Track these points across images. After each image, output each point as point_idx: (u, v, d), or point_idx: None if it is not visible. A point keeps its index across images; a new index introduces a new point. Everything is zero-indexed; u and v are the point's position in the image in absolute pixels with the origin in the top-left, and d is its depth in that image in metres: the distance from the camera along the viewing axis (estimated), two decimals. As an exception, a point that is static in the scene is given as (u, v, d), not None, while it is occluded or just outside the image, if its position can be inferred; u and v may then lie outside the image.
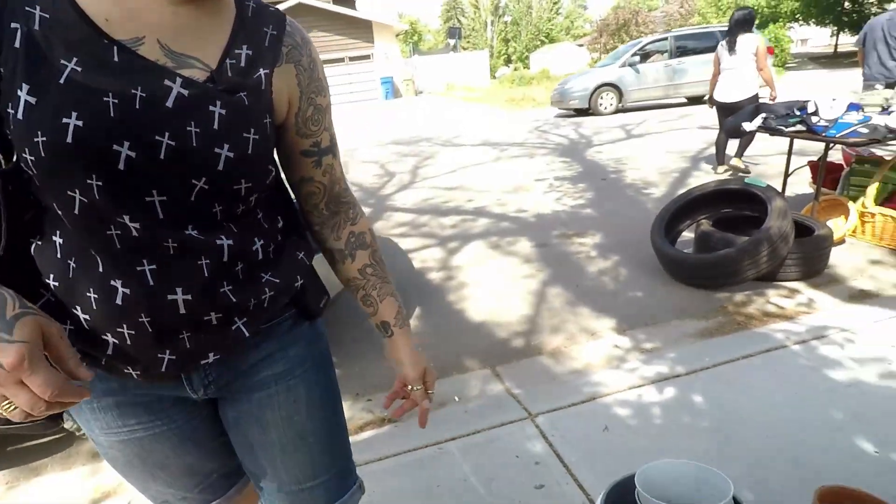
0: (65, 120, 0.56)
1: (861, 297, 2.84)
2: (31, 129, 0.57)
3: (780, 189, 3.74)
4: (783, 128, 3.39)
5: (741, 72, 5.12)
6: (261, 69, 0.68)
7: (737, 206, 3.35)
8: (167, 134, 0.60)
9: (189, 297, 0.66)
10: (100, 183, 0.59)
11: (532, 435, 1.97)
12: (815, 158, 3.78)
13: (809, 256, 2.98)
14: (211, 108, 0.62)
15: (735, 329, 2.63)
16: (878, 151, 3.85)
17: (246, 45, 0.67)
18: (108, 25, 0.59)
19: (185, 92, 0.61)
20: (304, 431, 0.84)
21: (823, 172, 3.44)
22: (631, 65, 11.56)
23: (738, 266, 2.88)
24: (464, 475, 1.79)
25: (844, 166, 3.75)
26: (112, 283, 0.64)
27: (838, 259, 3.27)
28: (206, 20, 0.65)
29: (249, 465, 0.87)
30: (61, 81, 0.56)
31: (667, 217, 3.39)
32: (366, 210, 5.66)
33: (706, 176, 5.53)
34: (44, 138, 0.56)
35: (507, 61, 29.00)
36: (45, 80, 0.57)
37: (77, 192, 0.60)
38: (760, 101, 4.81)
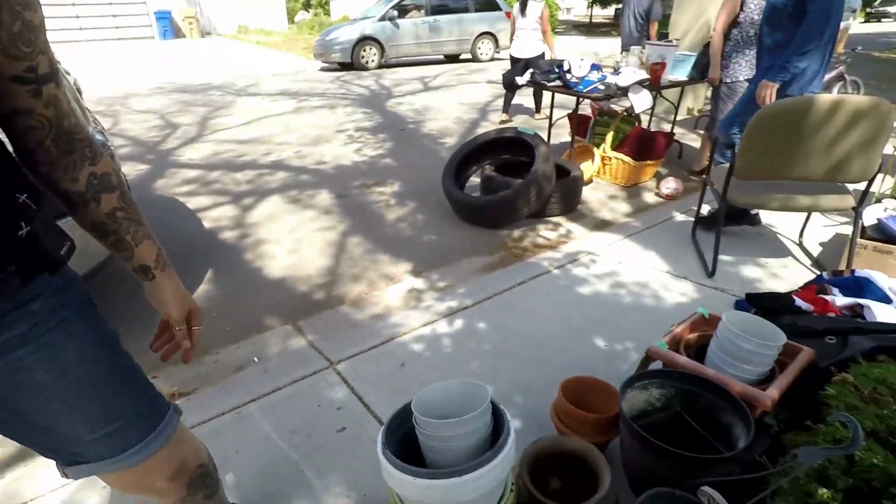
0: None
1: (602, 225, 3.48)
2: None
3: (546, 137, 4.29)
4: (546, 83, 3.86)
5: (529, 33, 5.80)
6: None
7: (513, 152, 3.76)
8: None
9: None
10: None
11: (334, 383, 2.02)
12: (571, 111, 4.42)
13: (567, 194, 3.53)
14: None
15: (513, 261, 3.01)
16: (615, 107, 4.65)
17: None
18: None
19: None
20: (85, 380, 0.79)
21: (576, 123, 4.03)
22: (390, 19, 11.36)
23: (515, 205, 3.27)
24: (264, 435, 1.77)
25: (592, 118, 4.46)
26: None
27: (588, 196, 3.93)
28: None
29: (31, 434, 0.80)
30: None
31: (455, 164, 3.65)
32: (143, 167, 5.03)
33: (493, 126, 6.06)
34: None
35: (307, 6, 26.98)
36: None
37: None
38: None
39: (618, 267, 2.83)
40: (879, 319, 1.68)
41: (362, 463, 1.63)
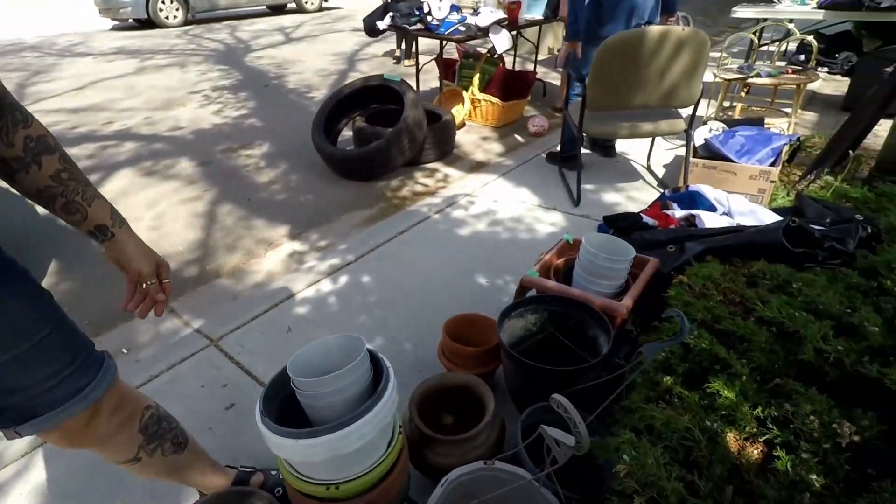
0: None
1: (477, 167, 3.57)
2: None
3: (414, 83, 4.23)
4: (407, 26, 3.76)
5: None
6: None
7: (383, 101, 3.66)
8: None
9: None
10: None
11: (217, 360, 1.92)
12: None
13: (441, 139, 3.55)
14: None
15: (393, 211, 3.00)
16: (481, 49, 4.69)
17: None
18: None
19: None
20: (33, 332, 0.78)
21: (443, 66, 4.01)
22: None
23: (389, 155, 3.22)
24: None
25: (458, 60, 4.46)
26: None
27: (461, 139, 3.99)
28: None
29: None
30: None
31: (323, 118, 3.48)
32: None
33: (361, 75, 5.84)
34: None
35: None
36: None
37: None
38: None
39: (494, 205, 2.94)
40: (707, 226, 1.94)
41: (258, 436, 1.59)
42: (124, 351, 2.04)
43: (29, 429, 0.82)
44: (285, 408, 1.09)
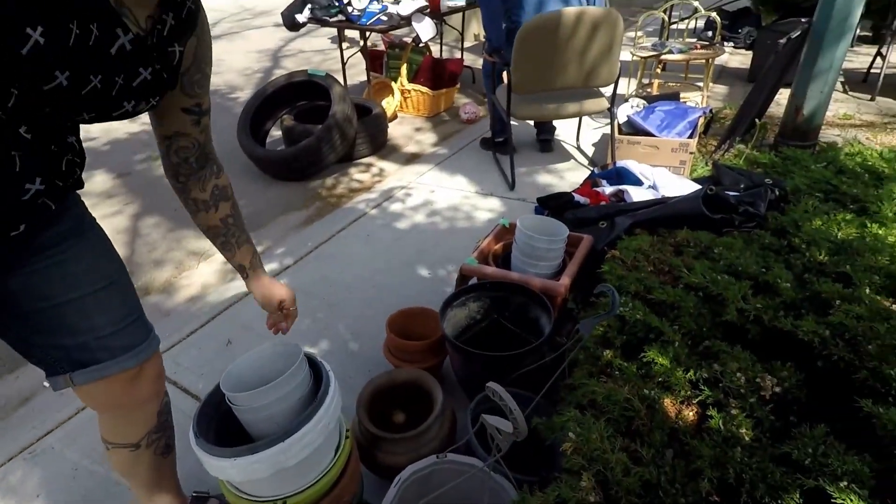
0: (28, 30, 0.56)
1: (412, 158, 3.55)
2: None
3: (341, 77, 4.13)
4: (328, 18, 3.66)
5: None
6: (177, 45, 0.77)
7: (310, 97, 3.55)
8: (100, 76, 0.66)
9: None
10: (15, 92, 0.61)
11: (151, 382, 1.81)
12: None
13: (373, 133, 3.49)
14: (140, 69, 0.72)
15: (330, 210, 2.93)
16: (406, 38, 4.63)
17: (171, 13, 0.73)
18: None
19: (129, 47, 0.68)
20: (111, 275, 0.90)
21: (368, 57, 3.94)
22: None
23: (320, 152, 3.14)
24: (72, 466, 1.53)
25: (385, 51, 4.39)
26: None
27: (394, 131, 3.94)
28: None
29: (49, 330, 0.84)
30: None
31: (248, 118, 3.34)
32: None
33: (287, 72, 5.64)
34: None
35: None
36: None
37: None
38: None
39: (431, 196, 2.93)
40: (635, 199, 2.01)
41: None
42: (45, 384, 1.88)
43: (83, 375, 0.88)
44: (226, 425, 1.04)
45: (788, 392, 1.02)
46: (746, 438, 0.93)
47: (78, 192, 0.89)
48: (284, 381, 0.93)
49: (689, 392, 1.07)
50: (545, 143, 3.41)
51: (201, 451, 0.90)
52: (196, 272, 2.50)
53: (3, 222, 0.71)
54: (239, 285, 2.30)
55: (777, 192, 1.75)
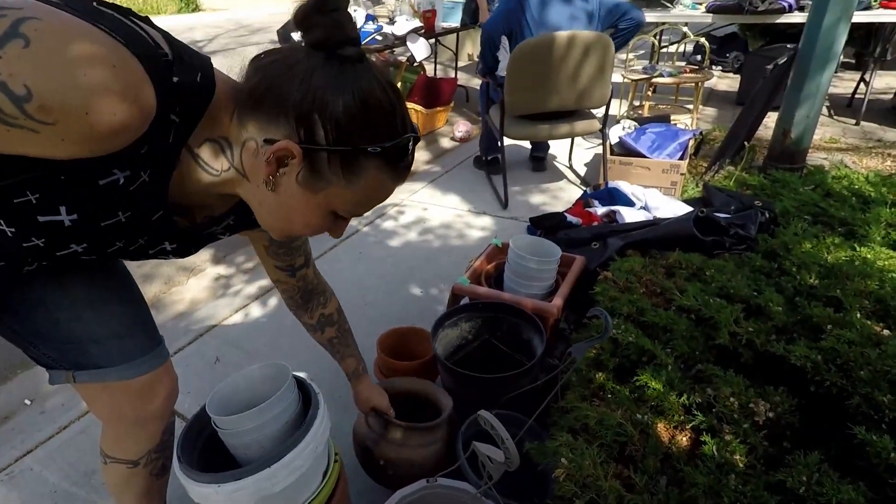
0: (72, 245, 0.67)
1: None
2: (36, 233, 0.63)
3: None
4: (323, 36, 3.68)
5: None
6: (227, 234, 0.84)
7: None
8: (123, 240, 0.71)
9: None
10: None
11: (135, 401, 1.77)
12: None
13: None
14: (171, 256, 0.83)
15: (322, 227, 2.92)
16: (400, 58, 4.68)
17: (234, 216, 0.80)
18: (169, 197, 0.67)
19: (169, 249, 0.78)
20: (111, 286, 0.90)
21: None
22: None
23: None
24: (51, 488, 1.48)
25: (380, 69, 4.43)
26: None
27: (388, 149, 3.96)
28: (224, 200, 0.76)
29: (46, 334, 0.86)
30: (102, 225, 0.65)
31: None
32: None
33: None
34: (41, 245, 0.65)
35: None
36: (91, 217, 0.64)
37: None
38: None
39: (424, 214, 2.93)
40: (627, 220, 2.03)
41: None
42: (27, 402, 1.84)
43: (86, 376, 0.88)
44: (212, 448, 1.01)
45: (782, 417, 1.01)
46: (740, 465, 0.92)
47: None
48: (271, 405, 0.91)
49: (682, 417, 1.06)
50: (538, 160, 3.43)
51: (183, 476, 0.88)
52: (185, 288, 2.47)
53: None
54: (228, 302, 2.27)
55: (767, 215, 1.76)
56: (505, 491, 1.05)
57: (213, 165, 0.66)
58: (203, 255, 2.72)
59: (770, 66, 2.60)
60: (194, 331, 2.11)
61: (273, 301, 2.26)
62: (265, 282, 2.39)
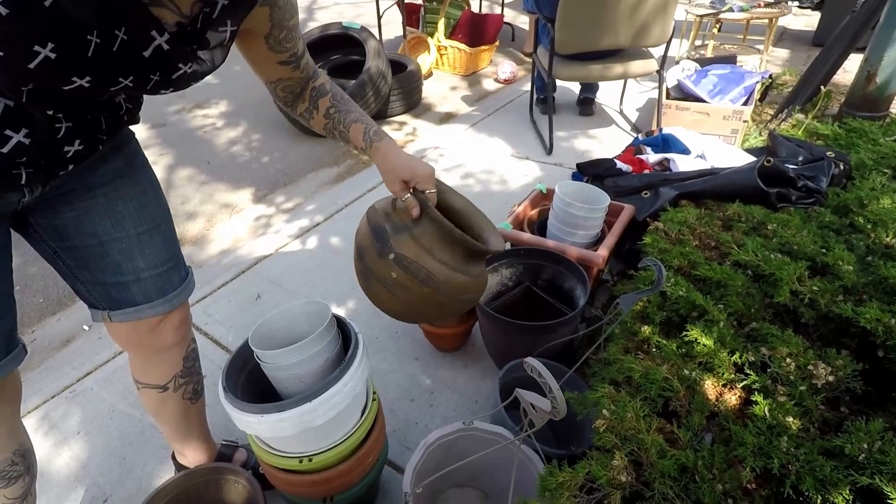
0: (37, 48, 0.54)
1: (447, 118, 3.45)
2: None
3: (377, 32, 4.00)
4: (365, -33, 3.51)
5: None
6: (229, 25, 0.71)
7: (344, 51, 3.47)
8: (131, 77, 0.64)
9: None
10: (30, 87, 0.60)
11: (183, 331, 1.85)
12: (400, -2, 4.13)
13: (407, 90, 3.39)
14: (180, 65, 0.68)
15: (361, 168, 2.89)
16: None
17: None
18: None
19: (166, 46, 0.64)
20: (157, 218, 0.92)
21: (405, 11, 3.79)
22: None
23: (354, 110, 3.07)
24: (109, 407, 1.58)
25: (422, 5, 4.22)
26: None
27: (429, 90, 3.83)
28: None
29: (94, 268, 0.88)
30: (47, 4, 0.52)
31: (282, 72, 3.28)
32: None
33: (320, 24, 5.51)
34: (0, 54, 0.53)
35: None
36: None
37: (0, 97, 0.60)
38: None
39: (465, 157, 2.85)
40: (682, 169, 1.90)
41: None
42: (86, 328, 1.95)
43: (119, 315, 0.92)
44: (254, 379, 1.04)
45: (842, 382, 0.95)
46: (794, 428, 0.88)
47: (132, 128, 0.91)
48: (312, 342, 0.91)
49: (732, 375, 1.01)
50: (587, 103, 3.25)
51: (230, 406, 0.90)
52: (227, 225, 2.52)
53: (51, 169, 0.74)
54: (269, 241, 2.31)
55: (841, 167, 1.62)
56: (541, 438, 1.05)
57: None
58: (245, 194, 2.75)
59: (861, 1, 2.31)
60: (236, 267, 2.16)
61: (312, 241, 2.28)
62: (305, 222, 2.41)
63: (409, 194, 0.91)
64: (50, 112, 0.67)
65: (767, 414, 0.90)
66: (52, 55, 0.55)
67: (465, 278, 0.91)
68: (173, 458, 1.32)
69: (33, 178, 0.72)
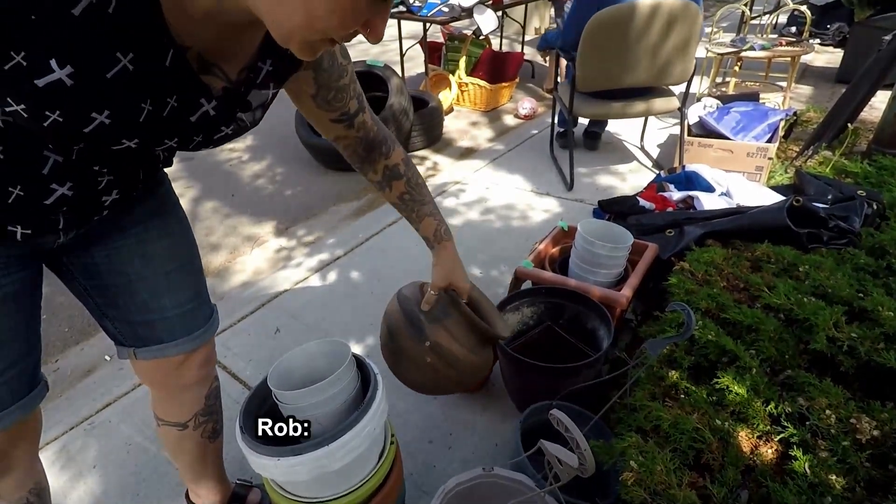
0: (94, 115, 0.56)
1: (467, 153, 3.48)
2: (45, 104, 0.53)
3: (399, 69, 4.11)
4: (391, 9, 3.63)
5: None
6: (271, 86, 0.73)
7: (367, 88, 3.54)
8: (176, 139, 0.67)
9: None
10: (80, 146, 0.64)
11: (202, 364, 1.84)
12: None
13: (428, 126, 3.45)
14: (223, 127, 0.71)
15: (382, 202, 2.91)
16: (465, 31, 4.56)
17: (270, 60, 0.69)
18: (173, 28, 0.55)
19: (212, 112, 0.67)
20: (185, 257, 0.94)
21: (427, 49, 3.89)
22: None
23: (376, 145, 3.12)
24: (125, 440, 1.57)
25: (443, 43, 4.33)
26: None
27: (450, 125, 3.89)
28: (245, 35, 0.64)
29: (122, 306, 0.89)
30: (108, 76, 0.54)
31: (307, 108, 3.37)
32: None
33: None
34: (59, 119, 0.55)
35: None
36: (89, 66, 0.52)
37: (51, 153, 0.64)
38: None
39: (485, 193, 2.86)
40: (706, 207, 1.87)
41: (245, 443, 1.53)
42: (107, 358, 1.96)
43: (145, 353, 0.93)
44: (272, 417, 1.02)
45: (889, 437, 0.89)
46: (838, 488, 0.82)
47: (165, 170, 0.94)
48: (331, 383, 0.90)
49: (768, 427, 0.96)
50: (593, 137, 3.24)
51: (246, 448, 0.88)
52: (249, 258, 2.55)
53: (88, 215, 0.76)
54: (289, 274, 2.32)
55: (874, 206, 1.57)
56: (562, 487, 1.00)
57: None
58: (267, 227, 2.79)
59: (888, 38, 2.30)
60: (257, 301, 2.17)
61: (332, 275, 2.29)
62: (325, 255, 2.42)
63: (443, 293, 1.05)
64: (95, 168, 0.70)
65: (808, 471, 0.85)
66: (107, 121, 0.57)
67: (480, 360, 1.07)
68: (187, 496, 1.30)
69: (70, 223, 0.74)
